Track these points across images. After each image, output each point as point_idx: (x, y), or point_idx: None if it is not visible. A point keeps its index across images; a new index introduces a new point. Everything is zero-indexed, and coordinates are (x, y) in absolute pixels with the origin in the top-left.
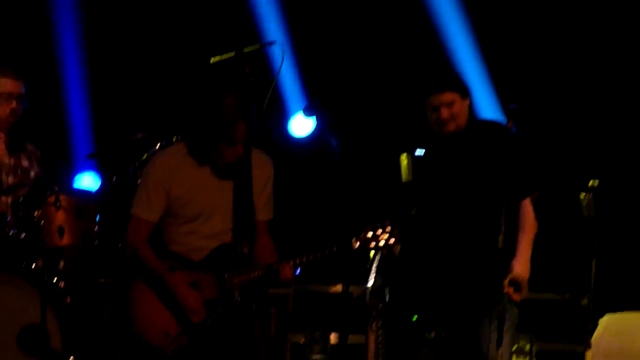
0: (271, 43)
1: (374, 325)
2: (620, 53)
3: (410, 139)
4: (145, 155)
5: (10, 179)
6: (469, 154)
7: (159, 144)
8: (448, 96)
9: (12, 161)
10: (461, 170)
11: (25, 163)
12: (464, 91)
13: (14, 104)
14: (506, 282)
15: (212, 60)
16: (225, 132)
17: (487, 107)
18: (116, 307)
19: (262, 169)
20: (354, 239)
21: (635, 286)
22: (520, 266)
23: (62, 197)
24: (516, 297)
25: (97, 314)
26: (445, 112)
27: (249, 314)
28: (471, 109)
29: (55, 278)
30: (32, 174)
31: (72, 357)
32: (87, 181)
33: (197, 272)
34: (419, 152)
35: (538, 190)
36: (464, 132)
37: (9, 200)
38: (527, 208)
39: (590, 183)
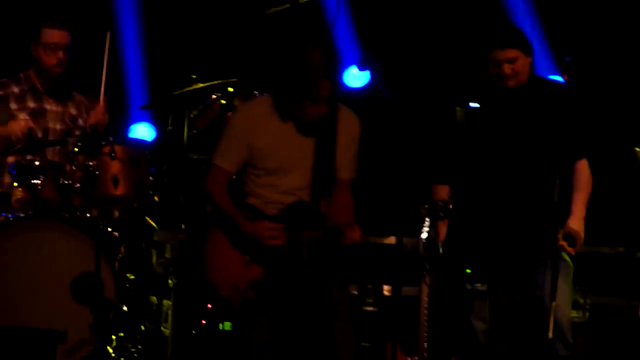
0: None
1: (427, 277)
2: None
3: (465, 92)
4: (201, 106)
5: (58, 126)
6: (527, 109)
7: (214, 95)
8: (511, 52)
9: (60, 109)
10: (518, 125)
11: (73, 111)
12: (527, 49)
13: (60, 54)
14: (560, 235)
15: (268, 11)
16: (309, 89)
17: (542, 61)
18: (173, 258)
19: (348, 127)
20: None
21: None
22: (575, 224)
23: (116, 147)
24: (570, 250)
25: (151, 264)
26: (507, 69)
27: (321, 274)
28: (532, 66)
29: (110, 228)
30: (80, 122)
31: (125, 307)
32: (142, 132)
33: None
34: (474, 105)
35: (593, 154)
36: (523, 87)
37: (57, 148)
38: (583, 167)
39: None
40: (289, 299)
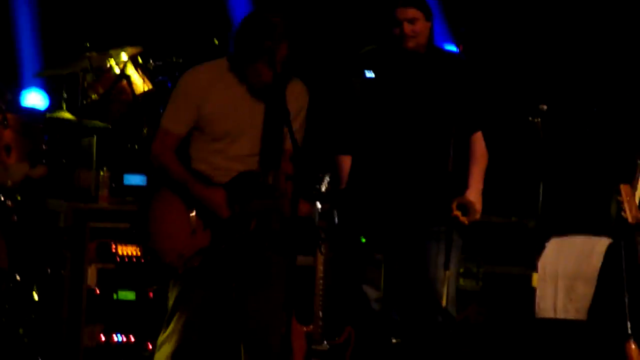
0: None
1: (322, 247)
2: None
3: (361, 62)
4: (93, 76)
5: None
6: (423, 79)
7: (109, 64)
8: (412, 12)
9: None
10: (414, 93)
11: None
12: (428, 13)
13: None
14: (454, 205)
15: None
16: (267, 49)
17: (438, 31)
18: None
19: (297, 96)
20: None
21: (580, 209)
22: (472, 196)
23: (9, 116)
24: (464, 219)
25: (44, 233)
26: (407, 28)
27: (265, 245)
28: (432, 35)
29: (2, 196)
30: None
31: (17, 275)
32: (35, 99)
33: None
34: (369, 75)
35: (487, 127)
36: (421, 56)
37: None
38: (478, 140)
39: (540, 107)
40: (231, 269)
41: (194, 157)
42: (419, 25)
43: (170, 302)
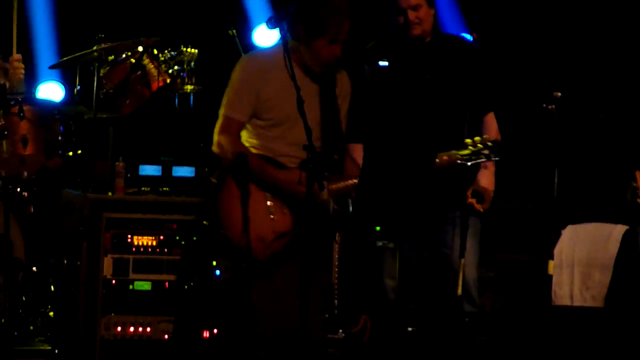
0: None
1: (337, 236)
2: None
3: (374, 50)
4: (107, 67)
5: None
6: (434, 66)
7: (124, 54)
8: (415, 0)
9: None
10: (425, 82)
11: None
12: (431, 1)
13: None
14: (469, 193)
15: None
16: (331, 27)
17: (451, 19)
18: (80, 219)
19: (343, 82)
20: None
21: (596, 196)
22: (485, 179)
23: (25, 107)
24: (479, 207)
25: (60, 224)
26: (411, 15)
27: (340, 227)
28: (436, 21)
29: (19, 188)
30: None
31: (34, 267)
32: (51, 91)
33: None
34: (383, 63)
35: (499, 108)
36: (429, 43)
37: None
38: (491, 122)
39: (554, 94)
40: (309, 252)
41: (253, 146)
42: (422, 11)
43: (252, 292)
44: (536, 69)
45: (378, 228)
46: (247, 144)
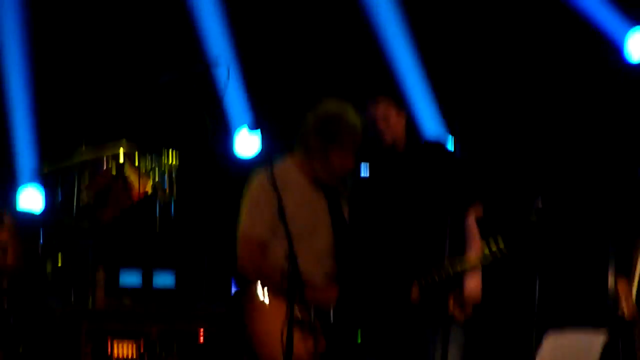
0: (217, 63)
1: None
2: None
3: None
4: (88, 176)
5: None
6: (410, 177)
7: (105, 165)
8: (382, 108)
9: None
10: (404, 194)
11: None
12: (399, 106)
13: None
14: (451, 301)
15: (161, 80)
16: (347, 138)
17: (431, 124)
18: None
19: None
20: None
21: (577, 301)
22: (472, 283)
23: (5, 217)
24: (460, 316)
25: (41, 333)
26: (382, 124)
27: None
28: (410, 129)
29: None
30: None
31: None
32: (31, 198)
33: None
34: (363, 175)
35: (477, 201)
36: (404, 153)
37: None
38: (472, 226)
39: (536, 204)
40: None
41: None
42: (392, 120)
43: None
44: (519, 170)
45: (359, 339)
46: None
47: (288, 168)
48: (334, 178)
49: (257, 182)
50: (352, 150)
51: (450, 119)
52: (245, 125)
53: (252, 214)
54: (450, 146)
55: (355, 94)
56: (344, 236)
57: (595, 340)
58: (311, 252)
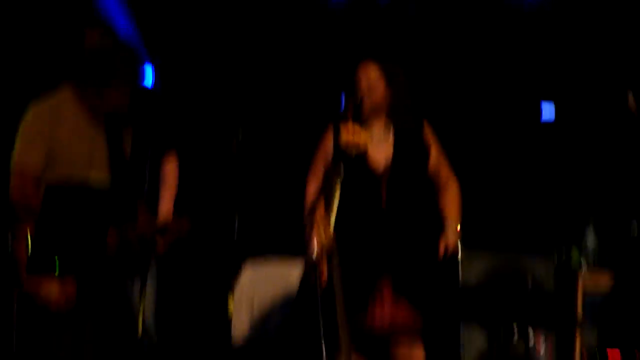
0: None
1: None
2: None
3: None
4: None
5: None
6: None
7: None
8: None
9: None
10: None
11: None
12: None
13: None
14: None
15: None
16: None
17: None
18: None
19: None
20: None
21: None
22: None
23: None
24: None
25: None
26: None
27: None
28: None
29: None
30: None
31: None
32: None
33: None
34: None
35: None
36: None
37: None
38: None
39: None
40: None
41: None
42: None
43: None
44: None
45: None
46: None
47: (65, 97)
48: (110, 107)
49: (31, 114)
50: (124, 82)
51: None
52: None
53: (26, 146)
54: None
55: None
56: (122, 168)
57: (293, 268)
58: (86, 182)
